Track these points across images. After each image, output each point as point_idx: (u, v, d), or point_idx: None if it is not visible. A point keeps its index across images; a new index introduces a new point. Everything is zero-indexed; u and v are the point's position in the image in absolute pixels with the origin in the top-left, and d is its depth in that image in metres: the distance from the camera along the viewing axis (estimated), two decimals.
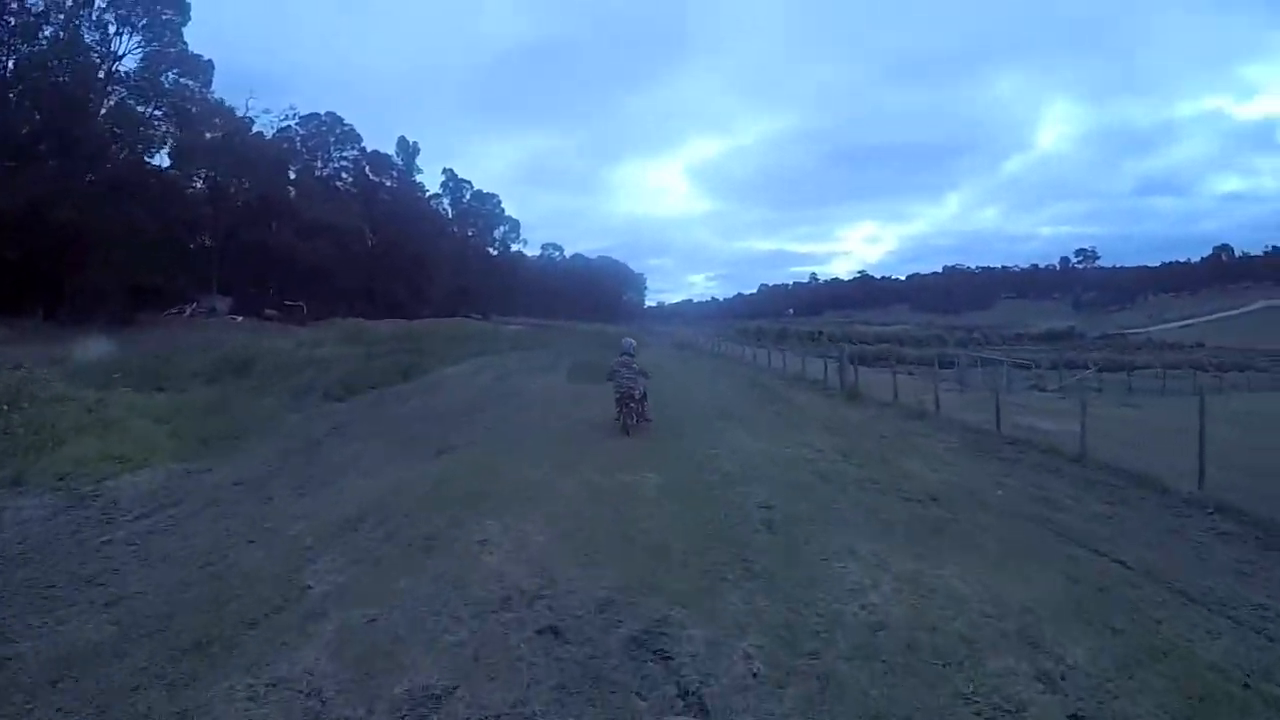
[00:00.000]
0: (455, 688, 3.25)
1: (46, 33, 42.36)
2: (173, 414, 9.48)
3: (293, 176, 63.16)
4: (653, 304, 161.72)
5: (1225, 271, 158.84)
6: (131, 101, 46.54)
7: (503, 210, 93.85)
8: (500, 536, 5.26)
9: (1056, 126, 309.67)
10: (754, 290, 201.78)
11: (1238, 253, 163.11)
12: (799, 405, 13.65)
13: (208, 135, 54.55)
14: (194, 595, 4.40)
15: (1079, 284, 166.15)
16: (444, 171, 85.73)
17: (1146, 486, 7.54)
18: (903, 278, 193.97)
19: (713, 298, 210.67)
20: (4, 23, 40.72)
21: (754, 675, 3.38)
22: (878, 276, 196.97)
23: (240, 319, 49.71)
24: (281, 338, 27.11)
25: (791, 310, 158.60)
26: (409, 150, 74.53)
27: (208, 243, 56.04)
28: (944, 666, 3.51)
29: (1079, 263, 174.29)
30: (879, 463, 8.12)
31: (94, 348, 18.72)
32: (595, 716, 3.09)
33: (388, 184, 72.65)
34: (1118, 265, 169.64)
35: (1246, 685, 3.46)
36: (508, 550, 4.99)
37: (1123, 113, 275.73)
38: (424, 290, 68.84)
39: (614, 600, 4.16)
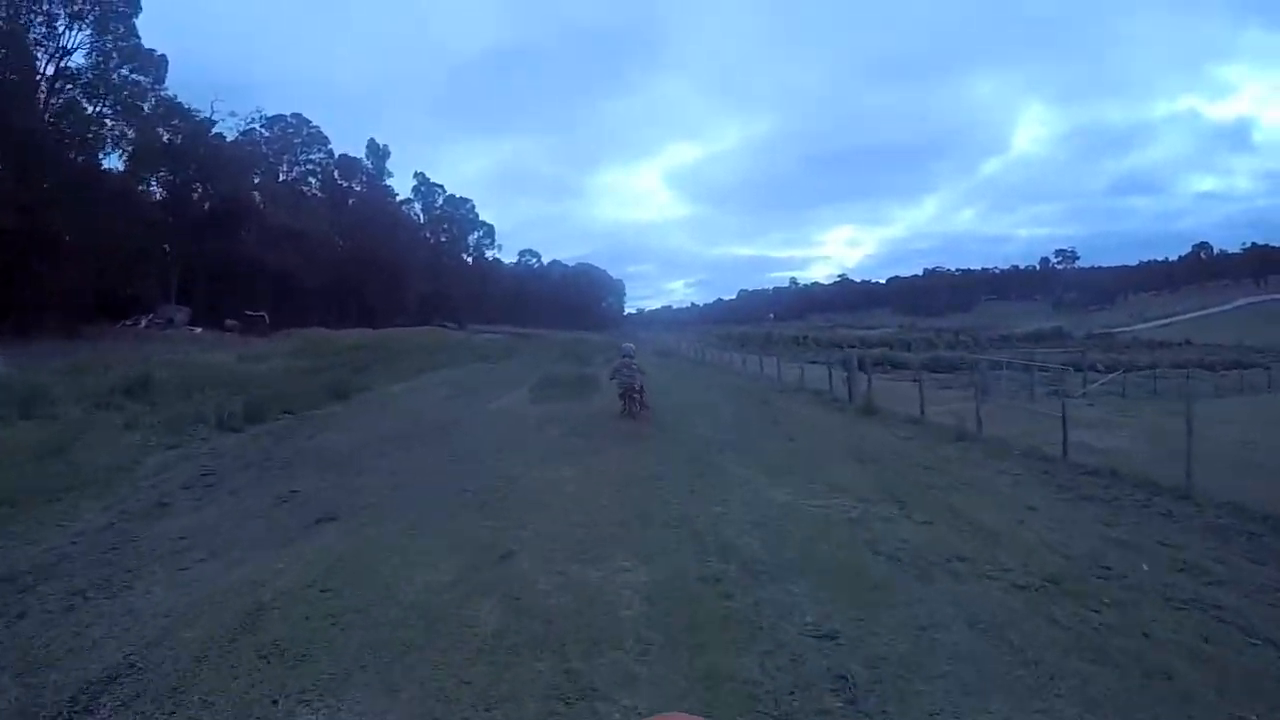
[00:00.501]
0: None
1: None
2: None
3: (257, 181, 60.24)
4: (632, 310, 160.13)
5: (1204, 269, 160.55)
6: (81, 99, 43.63)
7: (477, 215, 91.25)
8: None
9: (1032, 128, 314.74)
10: (734, 296, 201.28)
11: (1215, 250, 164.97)
12: (811, 425, 11.49)
13: (165, 137, 51.81)
14: None
15: (1059, 284, 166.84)
16: (415, 176, 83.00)
17: None
18: (882, 281, 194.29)
19: (692, 304, 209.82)
20: None
21: None
22: (857, 280, 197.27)
23: (199, 330, 46.86)
24: (224, 351, 24.54)
25: (772, 315, 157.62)
26: (379, 153, 71.78)
27: (167, 250, 53.08)
28: None
29: (1058, 263, 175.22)
30: (944, 516, 5.97)
31: None
32: None
33: (357, 189, 69.97)
34: (1096, 265, 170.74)
35: None
36: None
37: (1098, 114, 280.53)
38: (396, 298, 66.18)
39: None
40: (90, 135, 43.93)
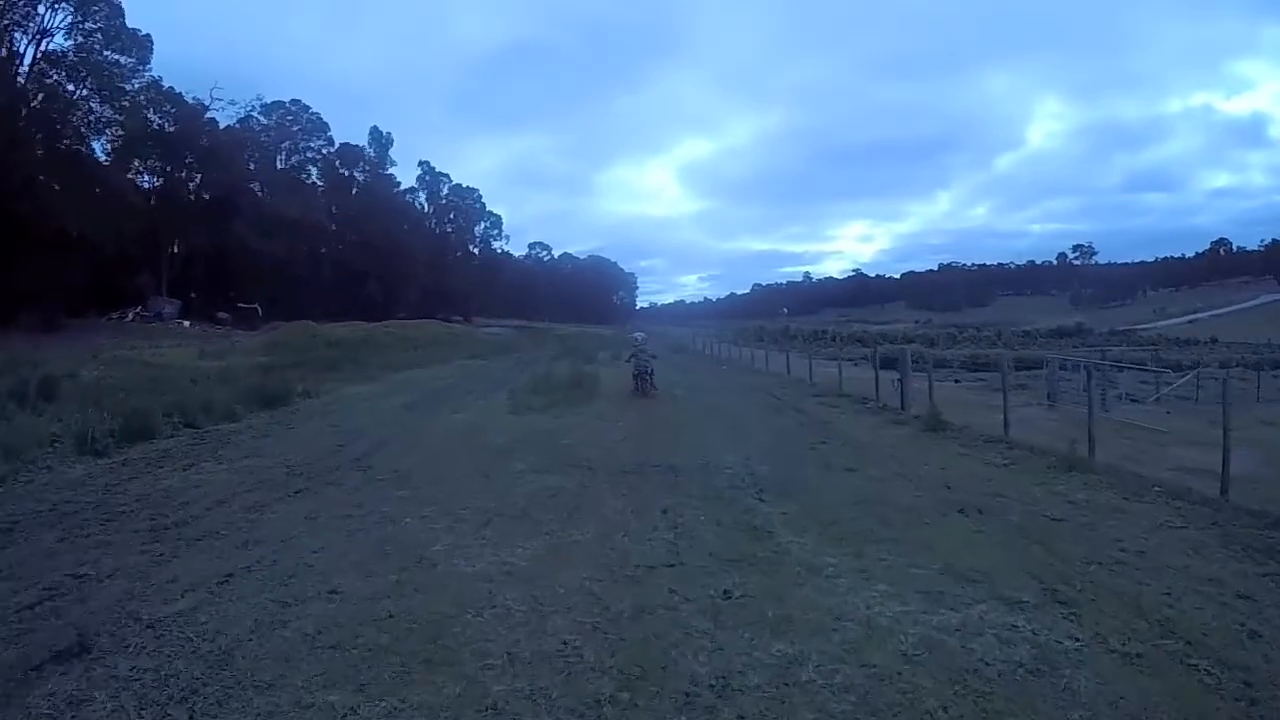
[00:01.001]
0: None
1: None
2: None
3: (253, 169, 58.25)
4: (645, 304, 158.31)
5: (1222, 266, 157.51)
6: (62, 81, 41.70)
7: (484, 206, 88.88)
8: None
9: (1047, 124, 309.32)
10: (747, 290, 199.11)
11: (1234, 247, 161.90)
12: (873, 450, 9.14)
13: (156, 124, 49.90)
14: None
15: (1076, 280, 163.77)
16: (420, 164, 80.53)
17: None
18: (896, 276, 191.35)
19: (705, 298, 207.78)
20: None
21: None
22: (872, 275, 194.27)
23: (187, 324, 45.00)
24: (193, 345, 22.46)
25: (786, 310, 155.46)
26: (382, 141, 69.60)
27: (158, 240, 51.25)
28: None
29: (1076, 259, 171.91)
30: (1147, 633, 3.68)
31: None
32: None
33: (358, 177, 67.83)
34: (1112, 261, 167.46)
35: None
36: None
37: (1112, 109, 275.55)
38: (399, 290, 64.09)
39: None
40: (73, 119, 42.01)
